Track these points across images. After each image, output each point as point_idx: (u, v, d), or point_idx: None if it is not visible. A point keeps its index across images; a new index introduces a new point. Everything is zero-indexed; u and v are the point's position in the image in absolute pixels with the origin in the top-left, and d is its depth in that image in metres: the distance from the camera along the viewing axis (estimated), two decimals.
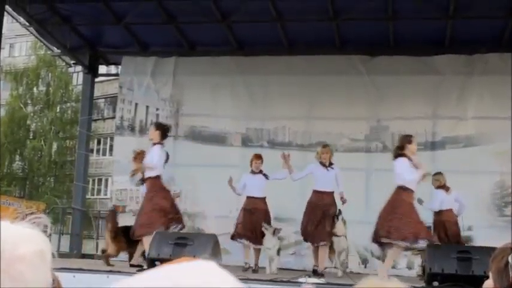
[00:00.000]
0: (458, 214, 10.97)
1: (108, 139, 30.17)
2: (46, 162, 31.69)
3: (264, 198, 10.50)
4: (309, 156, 13.04)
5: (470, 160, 12.21)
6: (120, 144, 14.43)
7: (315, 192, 10.14)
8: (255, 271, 9.93)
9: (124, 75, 14.66)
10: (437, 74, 12.92)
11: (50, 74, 33.25)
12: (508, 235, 8.62)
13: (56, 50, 15.33)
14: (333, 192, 10.13)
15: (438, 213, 10.92)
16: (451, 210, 10.90)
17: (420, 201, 10.80)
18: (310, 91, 13.23)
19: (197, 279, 0.70)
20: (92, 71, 14.96)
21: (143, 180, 9.94)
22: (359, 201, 12.40)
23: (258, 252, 10.33)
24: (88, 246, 16.07)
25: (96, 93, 18.86)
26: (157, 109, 14.15)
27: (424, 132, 12.93)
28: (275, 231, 10.02)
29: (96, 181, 33.02)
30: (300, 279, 7.74)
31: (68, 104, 33.00)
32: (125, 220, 13.49)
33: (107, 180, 30.10)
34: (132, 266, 9.77)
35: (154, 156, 9.49)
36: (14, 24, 20.22)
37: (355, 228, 11.46)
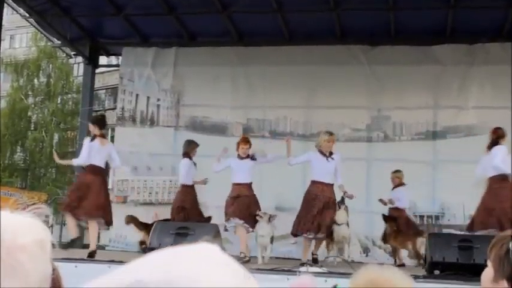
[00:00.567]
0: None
1: (110, 130, 30.16)
2: (47, 153, 31.69)
3: (250, 184, 10.09)
4: (310, 146, 13.05)
5: (471, 150, 12.19)
6: (121, 135, 14.44)
7: (314, 182, 9.83)
8: (246, 261, 9.15)
9: (124, 66, 14.66)
10: (438, 64, 12.91)
11: (50, 65, 33.23)
12: None
13: (57, 41, 15.32)
14: (332, 185, 9.82)
15: (394, 210, 11.02)
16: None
17: (383, 202, 10.90)
18: (310, 81, 13.23)
19: (193, 267, 0.69)
20: (92, 62, 14.95)
21: None
22: (360, 191, 12.39)
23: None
24: None
25: (97, 84, 18.87)
26: (158, 100, 14.16)
27: (425, 121, 12.94)
28: (270, 218, 9.65)
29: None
30: (301, 269, 7.75)
31: (69, 95, 32.99)
32: (128, 211, 13.55)
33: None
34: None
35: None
36: (14, 16, 20.20)
37: (357, 217, 11.47)
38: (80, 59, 17.16)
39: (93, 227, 9.54)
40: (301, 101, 13.38)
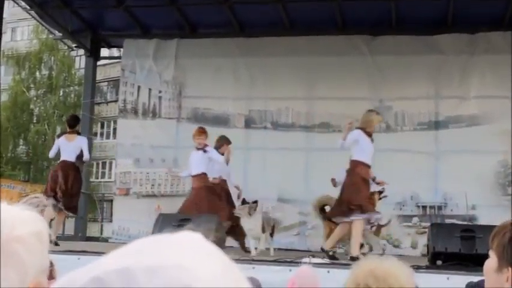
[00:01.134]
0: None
1: (112, 122, 30.22)
2: (50, 146, 31.69)
3: (202, 174, 9.88)
4: (312, 137, 13.08)
5: (474, 139, 12.20)
6: (123, 127, 14.45)
7: (360, 163, 9.19)
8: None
9: (126, 58, 14.65)
10: (439, 54, 12.88)
11: (52, 58, 33.22)
12: None
13: (58, 34, 15.31)
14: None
15: None
16: None
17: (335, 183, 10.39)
18: (312, 72, 13.21)
19: (179, 254, 0.69)
20: (93, 55, 14.94)
21: None
22: None
23: None
24: (93, 229, 16.15)
25: (99, 76, 18.88)
26: (159, 92, 14.16)
27: (427, 112, 12.92)
28: (250, 210, 9.31)
29: (100, 164, 33.09)
30: (304, 260, 7.77)
31: (71, 88, 33.01)
32: (131, 203, 13.58)
33: (110, 163, 30.16)
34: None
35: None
36: (15, 9, 20.18)
37: None
38: (81, 51, 17.13)
39: (60, 216, 10.49)
40: (302, 92, 13.37)
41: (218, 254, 0.70)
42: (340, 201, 9.08)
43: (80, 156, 10.52)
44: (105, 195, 23.35)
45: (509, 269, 1.86)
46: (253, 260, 7.67)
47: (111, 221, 15.70)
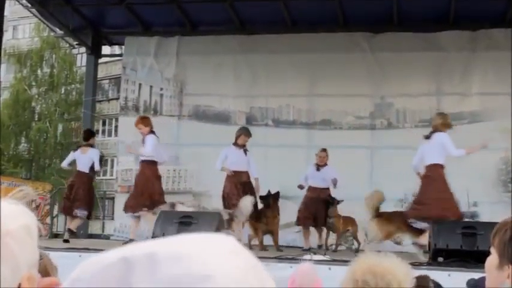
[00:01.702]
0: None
1: (113, 120, 30.21)
2: (51, 143, 31.75)
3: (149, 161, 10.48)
4: (313, 134, 13.08)
5: (475, 136, 12.17)
6: (124, 124, 14.44)
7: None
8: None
9: (127, 55, 14.65)
10: (441, 51, 12.87)
11: (53, 56, 33.20)
12: None
13: (59, 32, 15.31)
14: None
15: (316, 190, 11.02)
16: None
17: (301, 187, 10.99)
18: (313, 69, 13.21)
19: (206, 249, 0.71)
20: (95, 52, 14.95)
21: None
22: (364, 178, 12.43)
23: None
24: (94, 227, 16.12)
25: (100, 74, 18.88)
26: (161, 89, 14.16)
27: (428, 108, 12.90)
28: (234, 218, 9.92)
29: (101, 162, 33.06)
30: (305, 257, 7.77)
31: (73, 86, 32.98)
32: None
33: (112, 161, 30.14)
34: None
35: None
36: (16, 7, 20.18)
37: (361, 205, 11.47)
38: (82, 49, 17.16)
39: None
40: (304, 89, 13.37)
41: (245, 254, 0.73)
42: (422, 203, 9.16)
43: (92, 167, 11.41)
44: (107, 192, 23.33)
45: (510, 266, 1.87)
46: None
47: (112, 218, 15.72)
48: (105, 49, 16.25)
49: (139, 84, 14.31)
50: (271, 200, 10.45)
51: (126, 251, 0.69)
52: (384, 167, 12.52)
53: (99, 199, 24.03)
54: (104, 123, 33.01)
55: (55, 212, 14.55)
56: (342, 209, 10.88)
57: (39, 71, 33.14)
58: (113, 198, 17.83)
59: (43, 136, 32.36)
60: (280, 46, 13.35)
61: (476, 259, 6.81)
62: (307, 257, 7.77)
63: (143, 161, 10.45)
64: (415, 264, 6.96)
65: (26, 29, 35.53)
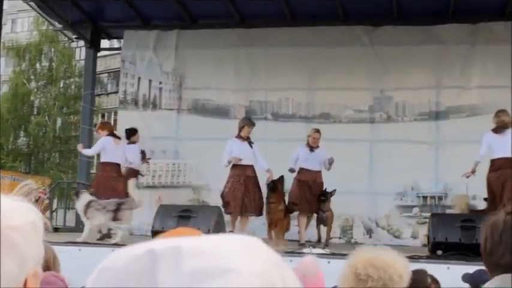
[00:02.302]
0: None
1: (112, 114, 30.18)
2: (51, 137, 31.72)
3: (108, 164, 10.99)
4: (312, 128, 13.07)
5: (474, 129, 12.17)
6: (124, 118, 14.44)
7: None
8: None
9: (126, 49, 14.63)
10: (440, 44, 12.87)
11: (52, 50, 33.14)
12: None
13: (58, 25, 15.28)
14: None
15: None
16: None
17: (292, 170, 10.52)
18: (313, 63, 13.20)
19: (230, 244, 0.74)
20: (94, 46, 14.93)
21: None
22: (363, 172, 12.45)
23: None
24: None
25: (99, 67, 18.86)
26: (160, 83, 14.15)
27: (427, 102, 12.92)
28: None
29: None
30: (304, 250, 7.78)
31: (71, 79, 32.92)
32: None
33: None
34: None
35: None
36: (15, 0, 20.14)
37: (360, 198, 11.50)
38: (81, 42, 17.11)
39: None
40: (303, 83, 13.36)
41: (268, 253, 0.75)
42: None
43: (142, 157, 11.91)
44: None
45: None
46: None
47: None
48: (104, 43, 16.22)
49: (139, 78, 14.29)
50: (275, 186, 10.20)
51: (153, 244, 0.72)
52: (383, 161, 12.53)
53: None
54: (103, 117, 32.96)
55: (54, 205, 14.56)
56: (342, 203, 10.89)
57: (38, 65, 33.07)
58: None
59: (42, 130, 32.33)
60: (280, 40, 13.33)
61: (475, 252, 6.81)
62: (307, 250, 7.78)
63: (100, 163, 10.98)
64: (414, 258, 6.97)
65: (24, 23, 35.48)
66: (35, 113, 32.88)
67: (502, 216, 1.86)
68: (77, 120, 28.94)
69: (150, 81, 14.21)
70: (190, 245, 0.71)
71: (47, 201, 14.89)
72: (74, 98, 31.35)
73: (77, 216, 13.92)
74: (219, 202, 10.62)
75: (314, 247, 8.66)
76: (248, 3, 13.18)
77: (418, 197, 12.61)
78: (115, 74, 29.47)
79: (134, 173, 11.57)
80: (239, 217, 10.15)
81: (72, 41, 18.64)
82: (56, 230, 12.74)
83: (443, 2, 12.58)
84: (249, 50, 13.60)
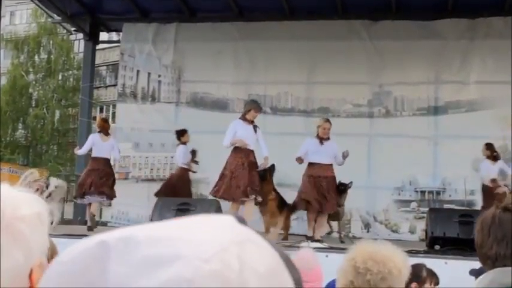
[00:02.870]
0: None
1: (111, 106, 30.16)
2: (49, 130, 31.71)
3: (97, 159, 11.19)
4: (311, 121, 13.06)
5: (473, 125, 12.20)
6: (122, 111, 14.44)
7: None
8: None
9: (125, 42, 14.61)
10: (439, 39, 12.85)
11: (51, 42, 33.09)
12: None
13: (57, 18, 15.26)
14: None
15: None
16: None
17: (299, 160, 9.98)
18: (312, 57, 13.19)
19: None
20: (92, 38, 14.90)
21: None
22: (362, 167, 12.43)
23: None
24: None
25: (98, 60, 18.81)
26: (159, 76, 14.14)
27: (426, 97, 12.92)
28: None
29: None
30: (302, 244, 7.79)
31: (70, 72, 32.89)
32: (130, 187, 13.58)
33: None
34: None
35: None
36: None
37: (358, 193, 11.49)
38: (80, 35, 17.08)
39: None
40: (302, 77, 13.35)
41: (232, 231, 0.68)
42: None
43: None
44: None
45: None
46: None
47: (110, 205, 15.70)
48: (103, 35, 16.20)
49: (137, 71, 14.28)
50: (264, 175, 9.76)
51: (106, 235, 0.69)
52: (381, 155, 12.53)
53: None
54: (101, 110, 32.93)
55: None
56: None
57: (36, 57, 33.03)
58: None
59: (40, 122, 32.32)
60: (279, 33, 13.31)
61: (473, 247, 6.82)
62: (305, 244, 7.78)
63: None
64: (412, 252, 6.98)
65: (23, 15, 35.38)
66: (33, 105, 32.86)
67: (492, 211, 1.91)
68: (75, 113, 28.91)
69: (149, 74, 14.20)
70: (145, 233, 0.67)
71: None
72: (73, 91, 31.33)
73: (75, 208, 13.96)
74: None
75: (312, 241, 8.64)
76: None
77: (416, 191, 12.62)
78: (114, 67, 29.42)
79: (186, 172, 11.88)
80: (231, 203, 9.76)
81: (71, 34, 18.61)
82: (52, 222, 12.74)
83: None
84: (247, 44, 13.59)
